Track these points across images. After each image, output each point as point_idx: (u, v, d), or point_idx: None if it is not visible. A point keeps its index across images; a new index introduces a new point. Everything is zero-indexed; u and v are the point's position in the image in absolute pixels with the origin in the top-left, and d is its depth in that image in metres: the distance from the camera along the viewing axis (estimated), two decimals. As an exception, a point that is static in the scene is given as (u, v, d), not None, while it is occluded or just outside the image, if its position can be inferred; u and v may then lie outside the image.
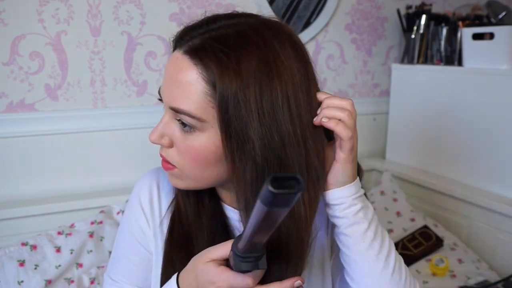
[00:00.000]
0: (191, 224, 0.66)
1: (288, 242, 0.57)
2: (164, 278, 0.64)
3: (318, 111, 0.59)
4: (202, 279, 0.55)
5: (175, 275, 0.60)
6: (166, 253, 0.66)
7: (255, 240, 0.46)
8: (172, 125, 0.60)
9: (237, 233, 0.67)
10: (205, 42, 0.55)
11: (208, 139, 0.57)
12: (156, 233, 0.70)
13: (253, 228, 0.43)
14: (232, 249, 0.51)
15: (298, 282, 0.55)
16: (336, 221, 0.61)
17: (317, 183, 0.59)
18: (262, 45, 0.54)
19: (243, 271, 0.52)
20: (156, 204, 0.71)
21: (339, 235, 0.62)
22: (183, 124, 0.58)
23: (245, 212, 0.58)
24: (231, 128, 0.54)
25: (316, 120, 0.58)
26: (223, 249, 0.55)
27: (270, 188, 0.34)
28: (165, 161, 0.62)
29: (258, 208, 0.39)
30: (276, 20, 0.60)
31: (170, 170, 0.62)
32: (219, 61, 0.53)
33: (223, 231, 0.66)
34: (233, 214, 0.68)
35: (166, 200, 0.71)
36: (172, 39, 0.60)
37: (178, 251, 0.65)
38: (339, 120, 0.57)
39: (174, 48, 0.59)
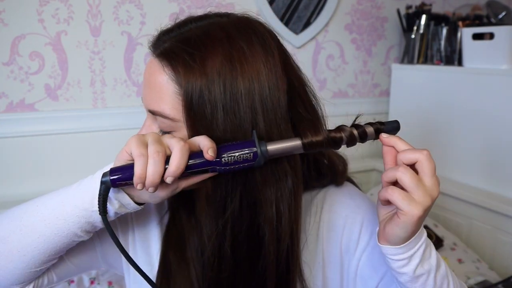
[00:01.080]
0: (184, 223, 0.66)
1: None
2: (160, 278, 0.65)
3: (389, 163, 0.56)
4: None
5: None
6: (162, 252, 0.67)
7: None
8: (154, 128, 0.61)
9: None
10: (172, 44, 0.56)
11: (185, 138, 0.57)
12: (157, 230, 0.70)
13: None
14: None
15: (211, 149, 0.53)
16: (396, 275, 0.58)
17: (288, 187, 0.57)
18: (226, 43, 0.55)
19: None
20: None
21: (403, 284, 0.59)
22: (161, 131, 0.59)
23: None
24: (197, 124, 0.55)
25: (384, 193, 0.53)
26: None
27: None
28: None
29: None
30: (247, 16, 0.61)
31: None
32: (184, 62, 0.54)
33: None
34: None
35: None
36: (149, 44, 0.61)
37: (173, 251, 0.65)
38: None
39: (152, 53, 0.60)
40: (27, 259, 0.57)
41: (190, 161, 0.51)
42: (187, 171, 0.51)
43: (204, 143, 0.51)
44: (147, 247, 0.68)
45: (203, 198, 0.58)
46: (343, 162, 0.71)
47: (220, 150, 0.52)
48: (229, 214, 0.56)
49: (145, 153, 0.50)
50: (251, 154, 0.51)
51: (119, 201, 0.56)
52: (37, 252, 0.57)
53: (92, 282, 1.09)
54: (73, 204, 0.56)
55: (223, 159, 0.51)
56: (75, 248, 0.63)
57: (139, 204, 0.57)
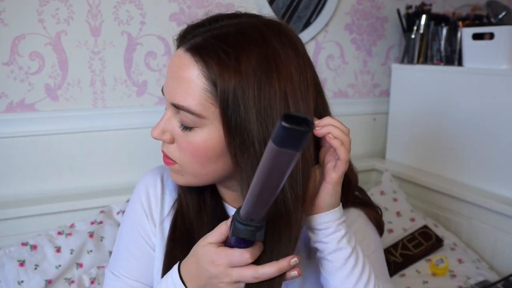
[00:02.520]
0: (193, 222, 0.67)
1: (279, 220, 0.58)
2: (166, 273, 0.65)
3: (317, 123, 0.59)
4: (202, 261, 0.56)
5: (177, 264, 0.61)
6: (168, 249, 0.67)
7: (259, 199, 0.45)
8: (173, 122, 0.61)
9: None
10: (206, 40, 0.56)
11: (207, 136, 0.58)
12: (158, 229, 0.71)
13: (260, 180, 0.42)
14: (233, 218, 0.53)
15: (294, 260, 0.55)
16: (320, 246, 0.60)
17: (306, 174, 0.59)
18: (262, 43, 0.55)
19: (241, 239, 0.52)
20: (159, 201, 0.72)
21: (321, 260, 0.61)
22: (182, 125, 0.59)
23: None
24: (232, 124, 0.55)
25: (320, 131, 0.58)
26: (221, 230, 0.56)
27: (283, 123, 0.34)
28: (166, 157, 0.64)
29: (268, 151, 0.39)
30: (277, 20, 0.61)
31: (171, 165, 0.63)
32: (219, 59, 0.54)
33: None
34: (229, 211, 0.69)
35: (170, 197, 0.72)
36: (176, 37, 0.61)
37: (180, 248, 0.66)
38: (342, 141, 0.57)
39: (178, 46, 0.60)
40: None
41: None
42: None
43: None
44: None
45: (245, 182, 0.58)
46: (355, 177, 0.72)
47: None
48: None
49: None
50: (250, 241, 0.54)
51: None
52: None
53: (92, 282, 1.09)
54: None
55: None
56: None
57: None
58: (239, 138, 0.56)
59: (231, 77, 0.54)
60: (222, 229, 0.56)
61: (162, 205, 0.72)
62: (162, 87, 0.63)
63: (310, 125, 0.36)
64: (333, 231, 0.59)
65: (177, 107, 0.58)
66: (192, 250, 0.59)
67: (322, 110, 0.64)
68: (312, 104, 0.59)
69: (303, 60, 0.59)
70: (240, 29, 0.56)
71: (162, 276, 0.65)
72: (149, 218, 0.71)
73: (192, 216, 0.68)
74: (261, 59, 0.54)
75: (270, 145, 0.38)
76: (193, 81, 0.56)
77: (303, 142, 0.37)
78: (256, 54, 0.54)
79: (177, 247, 0.66)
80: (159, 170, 0.75)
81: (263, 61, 0.54)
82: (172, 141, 0.62)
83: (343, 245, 0.59)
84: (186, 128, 0.59)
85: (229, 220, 0.55)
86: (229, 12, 0.62)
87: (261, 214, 0.49)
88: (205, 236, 0.58)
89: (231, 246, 0.55)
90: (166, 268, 0.65)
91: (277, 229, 0.57)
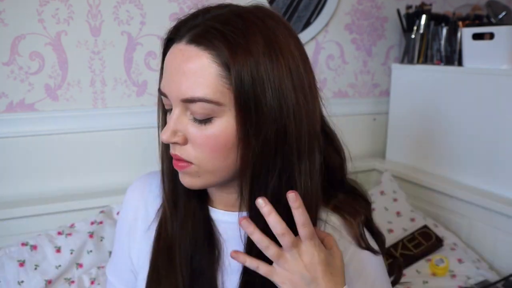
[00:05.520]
0: (176, 230, 0.66)
1: None
2: (149, 284, 0.65)
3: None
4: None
5: None
6: (152, 258, 0.67)
7: None
8: (184, 120, 0.58)
9: (221, 237, 0.66)
10: (208, 27, 0.55)
11: (227, 123, 0.56)
12: (143, 237, 0.71)
13: None
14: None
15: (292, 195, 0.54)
16: None
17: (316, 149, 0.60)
18: (261, 25, 0.56)
19: None
20: (144, 209, 0.72)
21: None
22: (197, 120, 0.57)
23: (250, 187, 0.58)
24: (248, 106, 0.55)
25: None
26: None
27: None
28: (179, 160, 0.60)
29: None
30: (262, 5, 0.61)
31: (186, 168, 0.59)
32: (228, 42, 0.54)
33: (205, 236, 0.66)
34: (220, 216, 0.68)
35: (154, 205, 0.71)
36: (166, 36, 0.60)
37: (162, 257, 0.66)
38: None
39: (172, 43, 0.59)
40: None
41: None
42: None
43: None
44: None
45: (249, 177, 0.58)
46: (341, 161, 0.70)
47: None
48: (270, 189, 0.58)
49: None
50: None
51: None
52: None
53: (92, 282, 1.09)
54: None
55: None
56: None
57: None
58: (253, 119, 0.55)
59: (245, 59, 0.53)
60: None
61: (147, 214, 0.72)
62: (159, 89, 0.61)
63: None
64: None
65: (191, 101, 0.56)
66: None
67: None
68: (312, 73, 0.62)
69: (295, 39, 0.60)
70: (237, 14, 0.57)
71: (146, 285, 0.66)
72: (134, 226, 0.73)
73: (175, 225, 0.66)
74: (265, 38, 0.55)
75: None
76: (205, 70, 0.54)
77: None
78: (260, 35, 0.55)
79: (160, 257, 0.66)
80: (147, 178, 0.75)
81: (268, 41, 0.55)
82: (185, 142, 0.58)
83: None
84: (201, 121, 0.56)
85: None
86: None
87: None
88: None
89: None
90: (149, 279, 0.66)
91: None
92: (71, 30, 1.27)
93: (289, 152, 0.57)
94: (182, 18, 0.59)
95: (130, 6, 1.33)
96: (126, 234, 0.74)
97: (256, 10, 0.59)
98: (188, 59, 0.55)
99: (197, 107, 0.56)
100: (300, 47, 0.60)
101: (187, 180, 0.61)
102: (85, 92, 1.32)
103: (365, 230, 0.67)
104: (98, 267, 1.12)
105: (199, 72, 0.55)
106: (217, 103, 0.55)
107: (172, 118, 0.58)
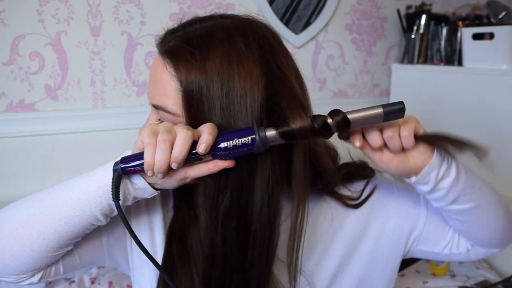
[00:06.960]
0: (185, 218, 0.68)
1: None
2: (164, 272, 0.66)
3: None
4: None
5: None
6: (166, 246, 0.68)
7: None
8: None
9: None
10: (176, 44, 0.59)
11: None
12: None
13: None
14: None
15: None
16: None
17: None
18: (226, 44, 0.57)
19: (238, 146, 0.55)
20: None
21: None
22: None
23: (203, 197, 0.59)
24: (195, 119, 0.57)
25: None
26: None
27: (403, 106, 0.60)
28: None
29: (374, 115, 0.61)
30: (251, 18, 0.62)
31: None
32: (186, 61, 0.57)
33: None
34: None
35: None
36: (156, 43, 0.64)
37: (176, 245, 0.67)
38: None
39: (158, 51, 0.63)
40: (46, 243, 0.58)
41: (193, 150, 0.53)
42: (190, 156, 0.53)
43: (203, 137, 0.53)
44: (153, 238, 0.70)
45: (201, 193, 0.60)
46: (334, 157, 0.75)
47: (219, 136, 0.54)
48: (222, 210, 0.58)
49: (154, 142, 0.53)
50: (249, 138, 0.54)
51: (137, 185, 0.59)
52: (56, 235, 0.58)
53: (92, 282, 1.09)
54: (97, 185, 0.59)
55: (222, 144, 0.53)
56: (84, 241, 0.66)
57: (156, 189, 0.59)
58: None
59: (197, 76, 0.56)
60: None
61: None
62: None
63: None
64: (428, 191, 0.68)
65: (156, 108, 0.61)
66: None
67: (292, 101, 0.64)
68: (263, 99, 0.58)
69: (273, 57, 0.59)
70: (209, 31, 0.59)
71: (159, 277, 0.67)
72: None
73: (185, 212, 0.68)
74: (224, 58, 0.56)
75: (380, 111, 0.59)
76: (167, 83, 0.59)
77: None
78: (221, 55, 0.57)
79: (174, 244, 0.68)
80: None
81: (226, 61, 0.56)
82: None
83: (440, 197, 0.68)
84: None
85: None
86: (227, 12, 0.64)
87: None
88: None
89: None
90: (165, 263, 0.67)
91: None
92: (71, 30, 1.27)
93: (239, 174, 0.58)
94: (169, 28, 0.63)
95: (130, 6, 1.33)
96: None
97: (233, 27, 0.59)
98: (158, 69, 0.60)
99: (162, 114, 0.60)
100: (268, 72, 0.58)
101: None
102: (85, 92, 1.32)
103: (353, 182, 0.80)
104: (98, 267, 1.12)
105: (163, 83, 0.59)
106: (174, 114, 0.59)
107: (148, 119, 0.65)
